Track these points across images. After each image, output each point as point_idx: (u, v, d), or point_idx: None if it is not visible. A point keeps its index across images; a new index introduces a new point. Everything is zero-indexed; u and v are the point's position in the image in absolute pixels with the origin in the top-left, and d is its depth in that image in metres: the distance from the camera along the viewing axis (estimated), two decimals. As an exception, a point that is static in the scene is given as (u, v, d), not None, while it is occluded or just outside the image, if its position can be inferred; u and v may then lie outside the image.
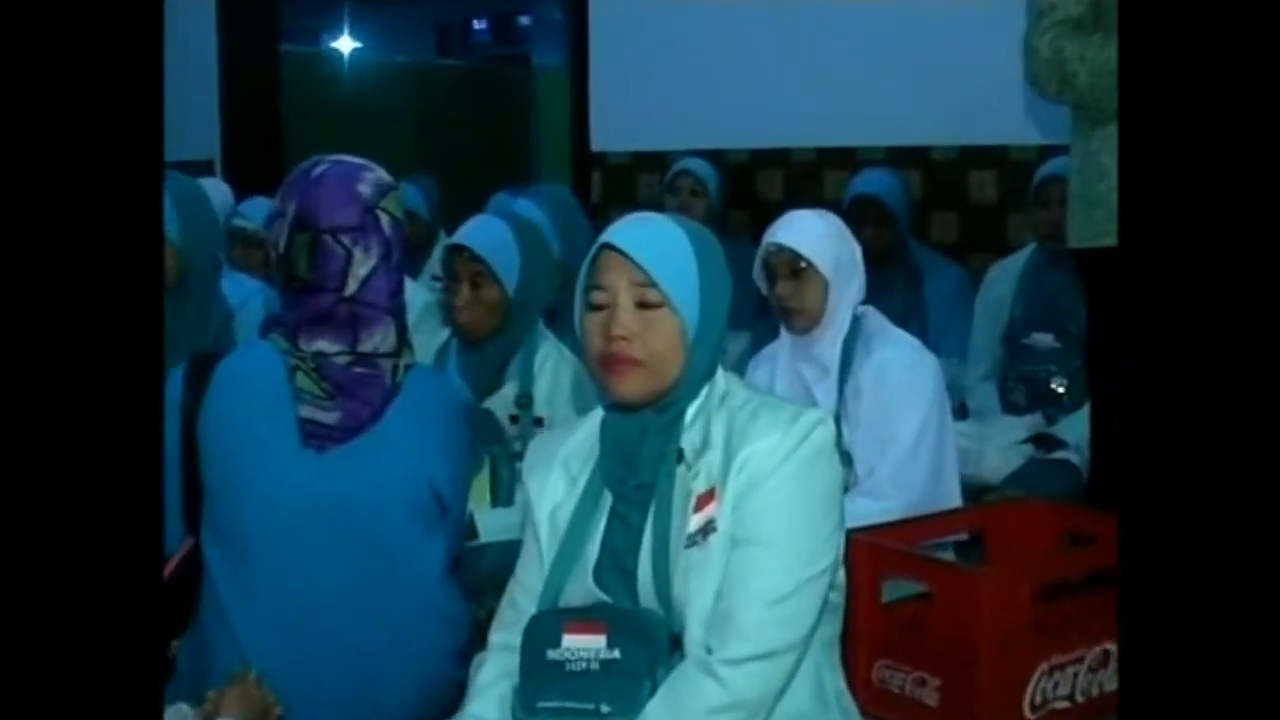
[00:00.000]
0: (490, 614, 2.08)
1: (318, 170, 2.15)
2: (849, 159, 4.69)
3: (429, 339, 3.20)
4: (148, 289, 1.29)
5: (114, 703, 1.24)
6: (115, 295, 1.28)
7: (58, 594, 1.23)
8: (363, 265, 2.11)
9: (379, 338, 2.14)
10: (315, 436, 2.10)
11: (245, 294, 3.38)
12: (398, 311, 2.17)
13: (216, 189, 4.46)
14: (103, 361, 1.28)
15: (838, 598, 1.96)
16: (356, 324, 2.12)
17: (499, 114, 8.03)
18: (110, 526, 1.26)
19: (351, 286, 2.11)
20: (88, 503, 1.26)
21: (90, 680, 1.23)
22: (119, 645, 1.25)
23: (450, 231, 4.81)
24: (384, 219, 2.14)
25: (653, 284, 1.85)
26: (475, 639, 2.18)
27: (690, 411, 1.91)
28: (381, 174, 2.19)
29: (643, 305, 1.86)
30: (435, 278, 4.61)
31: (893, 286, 4.08)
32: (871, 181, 4.23)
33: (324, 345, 2.12)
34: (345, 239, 2.11)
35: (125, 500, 1.27)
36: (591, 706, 1.83)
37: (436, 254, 4.70)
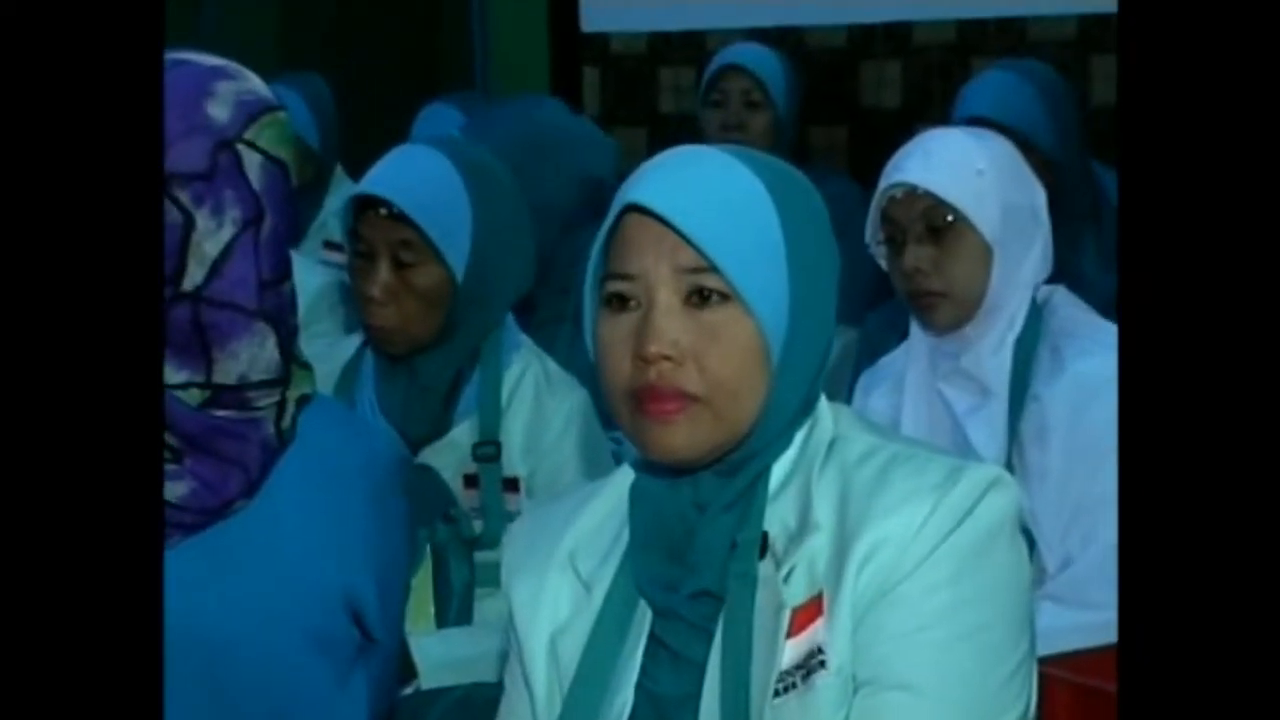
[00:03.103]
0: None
1: (141, 78, 2.16)
2: (1012, 36, 4.70)
3: (325, 349, 3.21)
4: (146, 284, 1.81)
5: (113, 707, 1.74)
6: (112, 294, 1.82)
7: (54, 596, 1.73)
8: (211, 239, 2.10)
9: (247, 358, 2.14)
10: (152, 522, 2.12)
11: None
12: (277, 313, 2.16)
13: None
14: (100, 365, 1.81)
15: (1030, 778, 1.97)
16: (207, 338, 2.12)
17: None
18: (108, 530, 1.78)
19: (195, 274, 2.10)
20: (86, 504, 1.77)
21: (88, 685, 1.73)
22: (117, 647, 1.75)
23: (351, 167, 4.84)
24: (250, 160, 2.14)
25: (711, 267, 1.87)
26: None
27: (778, 472, 1.93)
28: (249, 83, 2.18)
29: (696, 301, 1.88)
30: (330, 244, 4.64)
31: (1077, 246, 4.09)
32: (987, 88, 4.28)
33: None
34: (183, 195, 2.10)
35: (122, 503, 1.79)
36: None
37: (331, 205, 4.73)
